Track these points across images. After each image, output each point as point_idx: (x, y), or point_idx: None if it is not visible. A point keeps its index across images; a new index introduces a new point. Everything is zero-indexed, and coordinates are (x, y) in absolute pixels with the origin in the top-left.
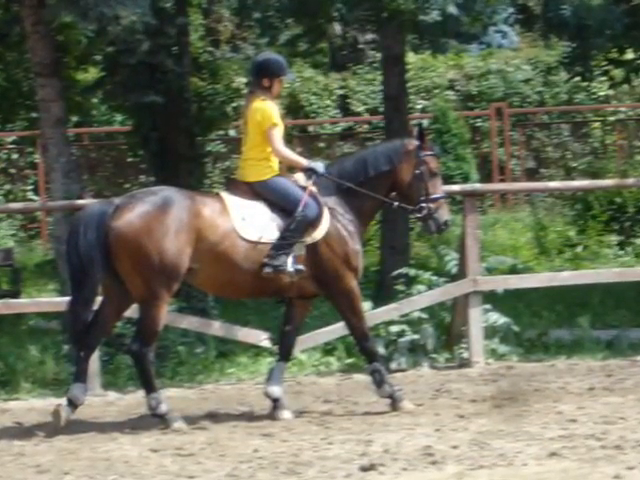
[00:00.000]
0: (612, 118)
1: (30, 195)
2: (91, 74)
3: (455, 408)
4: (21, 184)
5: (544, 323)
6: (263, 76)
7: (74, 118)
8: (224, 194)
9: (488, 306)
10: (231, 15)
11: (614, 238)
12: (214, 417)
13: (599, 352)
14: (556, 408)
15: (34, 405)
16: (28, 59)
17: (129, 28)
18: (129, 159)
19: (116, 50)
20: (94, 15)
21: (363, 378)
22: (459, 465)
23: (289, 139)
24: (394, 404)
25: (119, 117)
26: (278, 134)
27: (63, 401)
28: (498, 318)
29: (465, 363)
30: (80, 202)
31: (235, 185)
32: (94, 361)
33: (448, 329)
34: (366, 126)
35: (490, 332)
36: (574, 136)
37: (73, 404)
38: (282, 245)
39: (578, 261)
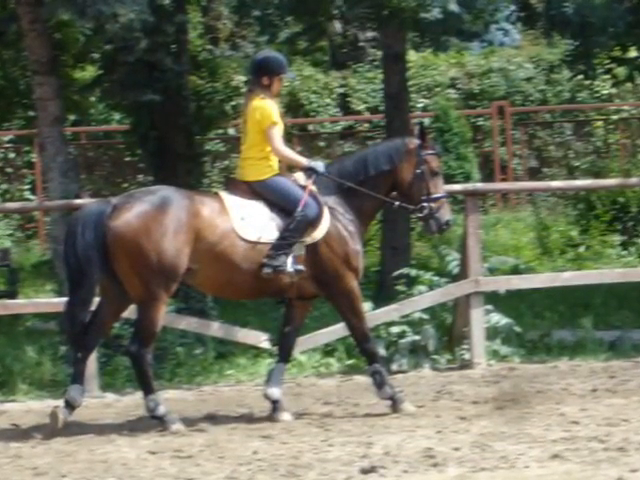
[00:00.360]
0: (615, 117)
1: (27, 195)
2: (89, 72)
3: (456, 410)
4: (18, 183)
5: (546, 324)
6: (263, 74)
7: (71, 117)
8: (223, 194)
9: (490, 307)
10: (230, 13)
11: (617, 238)
12: (213, 419)
13: (602, 353)
14: (558, 410)
15: (31, 407)
16: (25, 57)
17: (127, 26)
18: (127, 158)
19: (114, 48)
20: (92, 13)
21: (363, 379)
22: (460, 467)
23: (289, 138)
24: (395, 406)
25: (117, 116)
26: (278, 133)
27: (60, 403)
28: (500, 319)
29: (467, 364)
30: (78, 202)
31: (234, 184)
32: (92, 362)
33: (449, 330)
34: (366, 125)
35: (492, 333)
36: (576, 135)
37: (71, 406)
38: (282, 245)
39: (581, 261)
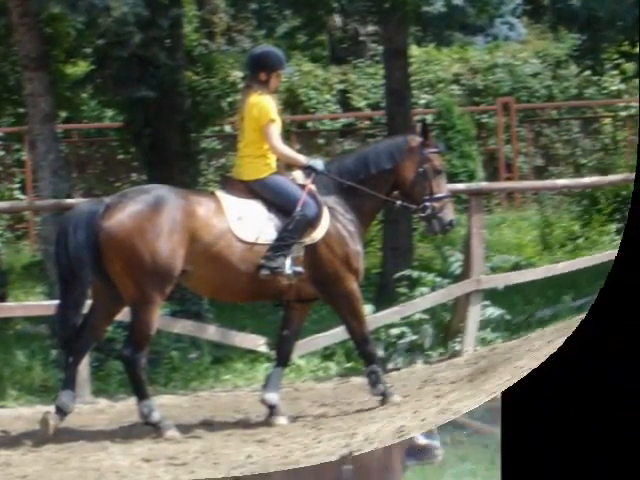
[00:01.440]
0: (624, 113)
1: (17, 194)
2: (81, 68)
3: (435, 392)
4: (8, 182)
5: (533, 308)
6: (260, 70)
7: (63, 113)
8: (219, 193)
9: (487, 302)
10: (227, 6)
11: (614, 226)
12: (209, 425)
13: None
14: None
15: (21, 413)
16: (15, 52)
17: (120, 20)
18: (120, 156)
19: (107, 43)
20: (84, 6)
21: (360, 381)
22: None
23: (287, 135)
24: (384, 400)
25: (110, 112)
26: (276, 130)
27: (51, 409)
28: (494, 311)
29: (456, 353)
30: (69, 201)
31: (231, 183)
32: (84, 367)
33: (447, 327)
34: (367, 122)
35: (484, 324)
36: (584, 132)
37: (62, 412)
38: (280, 246)
39: (578, 251)
